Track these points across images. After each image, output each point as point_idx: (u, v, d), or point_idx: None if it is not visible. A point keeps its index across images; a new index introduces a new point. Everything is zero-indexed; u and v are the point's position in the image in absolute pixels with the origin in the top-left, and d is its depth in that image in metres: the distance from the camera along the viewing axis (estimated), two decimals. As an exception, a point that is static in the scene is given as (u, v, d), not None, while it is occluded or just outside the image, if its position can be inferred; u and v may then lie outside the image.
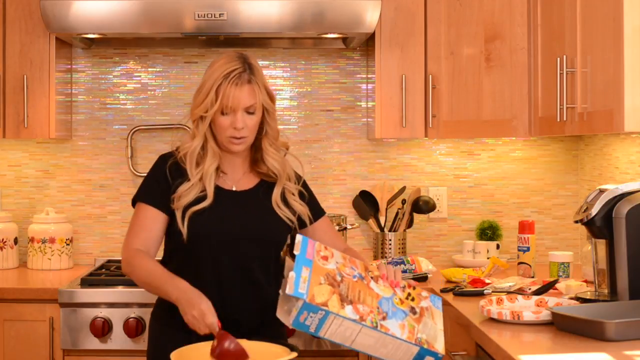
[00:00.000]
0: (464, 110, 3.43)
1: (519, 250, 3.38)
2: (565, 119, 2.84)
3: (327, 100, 3.81)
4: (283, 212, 2.48)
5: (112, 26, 3.25)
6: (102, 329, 3.09)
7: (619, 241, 2.51)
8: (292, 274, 2.12)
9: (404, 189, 3.73)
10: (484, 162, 3.81)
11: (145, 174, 2.57)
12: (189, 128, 2.67)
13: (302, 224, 2.54)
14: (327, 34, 3.39)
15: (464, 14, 3.42)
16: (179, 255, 2.46)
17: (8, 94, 3.43)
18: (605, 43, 2.55)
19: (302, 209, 2.52)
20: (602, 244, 2.61)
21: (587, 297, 2.65)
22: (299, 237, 2.24)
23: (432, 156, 3.80)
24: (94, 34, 3.38)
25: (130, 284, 3.16)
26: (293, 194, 2.52)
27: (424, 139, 3.75)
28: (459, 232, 3.80)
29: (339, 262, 2.24)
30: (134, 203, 2.51)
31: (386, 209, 3.71)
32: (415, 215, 3.69)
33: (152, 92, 3.80)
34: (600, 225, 2.56)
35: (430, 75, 3.42)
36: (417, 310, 2.25)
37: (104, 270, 3.44)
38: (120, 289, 3.16)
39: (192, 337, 2.33)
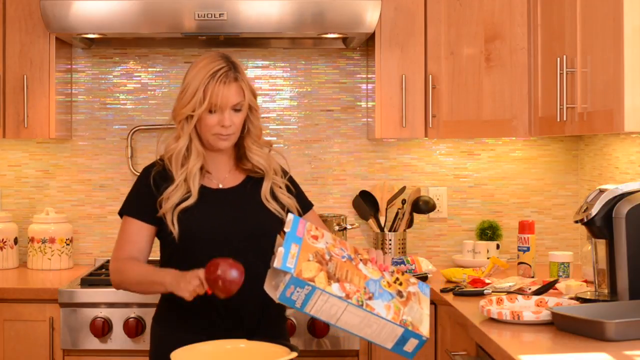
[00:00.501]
0: (464, 110, 3.43)
1: (519, 250, 3.38)
2: (565, 119, 2.84)
3: (327, 100, 3.81)
4: (272, 206, 2.50)
5: (112, 26, 3.25)
6: (102, 329, 3.09)
7: (619, 241, 2.50)
8: (281, 249, 2.15)
9: (404, 189, 3.73)
10: (484, 162, 3.81)
11: None
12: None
13: None
14: (327, 34, 3.39)
15: (464, 14, 3.42)
16: (175, 259, 2.47)
17: (8, 94, 3.44)
18: (605, 43, 2.55)
19: (290, 202, 2.54)
20: (602, 244, 2.61)
21: (587, 297, 2.65)
22: (290, 216, 2.26)
23: (432, 156, 3.80)
24: (94, 34, 3.38)
25: (130, 284, 3.17)
26: (280, 188, 2.55)
27: (424, 139, 3.75)
28: (459, 232, 3.81)
29: (328, 243, 2.26)
30: (120, 215, 2.54)
31: (386, 209, 3.71)
32: (415, 215, 3.69)
33: (152, 92, 3.80)
34: (600, 225, 2.56)
35: (430, 75, 3.42)
36: (404, 294, 2.25)
37: (104, 270, 3.44)
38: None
39: (193, 340, 2.33)
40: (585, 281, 3.05)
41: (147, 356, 2.61)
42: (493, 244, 3.68)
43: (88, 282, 3.20)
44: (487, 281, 3.06)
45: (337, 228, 3.57)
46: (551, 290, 2.87)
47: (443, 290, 3.03)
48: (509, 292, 2.89)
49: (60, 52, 3.55)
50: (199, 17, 3.22)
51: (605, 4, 2.56)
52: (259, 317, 2.47)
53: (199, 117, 2.43)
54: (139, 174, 2.57)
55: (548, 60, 3.13)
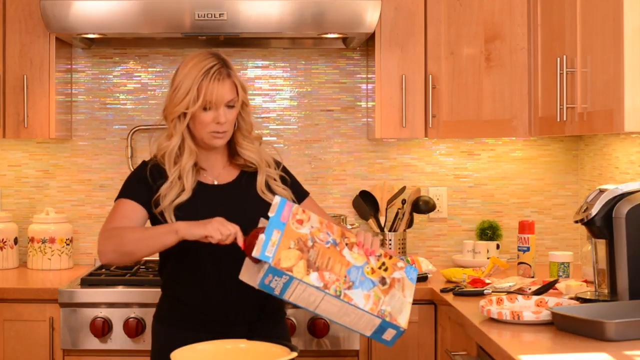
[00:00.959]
0: (464, 110, 3.43)
1: (519, 250, 3.38)
2: (565, 119, 2.84)
3: (327, 100, 3.81)
4: (269, 198, 2.50)
5: (112, 26, 3.25)
6: (102, 329, 3.09)
7: (619, 241, 2.50)
8: (261, 237, 2.17)
9: (404, 189, 3.73)
10: (484, 162, 3.81)
11: None
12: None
13: None
14: (327, 34, 3.39)
15: (464, 14, 3.42)
16: (174, 256, 2.47)
17: (8, 94, 3.44)
18: (605, 43, 2.55)
19: (285, 193, 2.55)
20: (602, 244, 2.61)
21: (587, 297, 2.65)
22: (277, 199, 2.26)
23: (432, 156, 3.80)
24: (94, 34, 3.38)
25: (130, 284, 3.18)
26: (275, 180, 2.56)
27: (424, 139, 3.75)
28: (459, 232, 3.80)
29: (314, 227, 2.26)
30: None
31: (386, 209, 3.71)
32: (415, 215, 3.69)
33: (152, 92, 3.80)
34: (600, 225, 2.56)
35: (430, 75, 3.42)
36: (388, 280, 2.26)
37: (104, 270, 3.43)
38: (120, 289, 3.15)
39: (194, 337, 2.34)
40: (585, 281, 3.05)
41: (147, 356, 2.62)
42: (493, 244, 3.68)
43: (88, 282, 3.20)
44: (487, 281, 3.06)
45: (337, 228, 3.57)
46: (551, 290, 2.87)
47: (443, 290, 3.03)
48: (509, 292, 2.89)
49: (60, 52, 3.55)
50: (199, 17, 3.22)
51: (605, 4, 2.56)
52: (259, 312, 2.48)
53: (193, 115, 2.43)
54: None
55: (548, 60, 3.13)
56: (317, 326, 3.10)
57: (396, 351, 3.16)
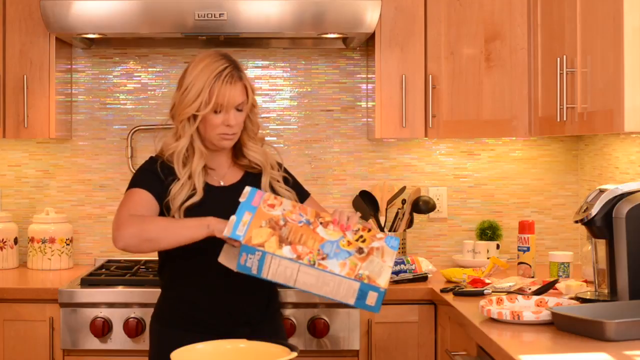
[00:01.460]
0: (464, 110, 3.43)
1: (519, 250, 3.38)
2: (565, 119, 2.84)
3: (327, 100, 3.81)
4: None
5: (112, 26, 3.25)
6: (102, 329, 3.09)
7: (619, 241, 2.50)
8: (232, 217, 2.20)
9: (404, 189, 3.73)
10: (484, 162, 3.81)
11: None
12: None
13: None
14: (327, 34, 3.39)
15: (464, 14, 3.42)
16: (180, 256, 2.46)
17: (8, 94, 3.44)
18: (605, 43, 2.55)
19: (289, 194, 2.56)
20: (602, 244, 2.61)
21: (587, 297, 2.65)
22: (247, 188, 2.28)
23: (432, 156, 3.80)
24: (94, 34, 3.38)
25: (130, 284, 3.18)
26: (278, 181, 2.57)
27: (424, 139, 3.75)
28: (459, 232, 3.80)
29: (286, 210, 2.28)
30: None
31: (386, 209, 3.71)
32: (415, 215, 3.69)
33: (152, 92, 3.80)
34: (600, 225, 2.56)
35: (430, 75, 3.42)
36: (365, 250, 2.26)
37: (104, 270, 3.44)
38: (120, 289, 3.15)
39: (197, 337, 2.34)
40: (585, 281, 3.05)
41: (147, 356, 2.62)
42: (493, 244, 3.68)
43: (88, 282, 3.20)
44: (487, 281, 3.06)
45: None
46: (551, 290, 2.87)
47: (443, 290, 3.03)
48: (509, 292, 2.89)
49: (60, 52, 3.55)
50: (199, 17, 3.22)
51: (605, 4, 2.56)
52: (264, 309, 2.48)
53: (203, 117, 2.43)
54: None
55: (548, 60, 3.13)
56: (317, 326, 3.10)
57: (396, 351, 3.16)
